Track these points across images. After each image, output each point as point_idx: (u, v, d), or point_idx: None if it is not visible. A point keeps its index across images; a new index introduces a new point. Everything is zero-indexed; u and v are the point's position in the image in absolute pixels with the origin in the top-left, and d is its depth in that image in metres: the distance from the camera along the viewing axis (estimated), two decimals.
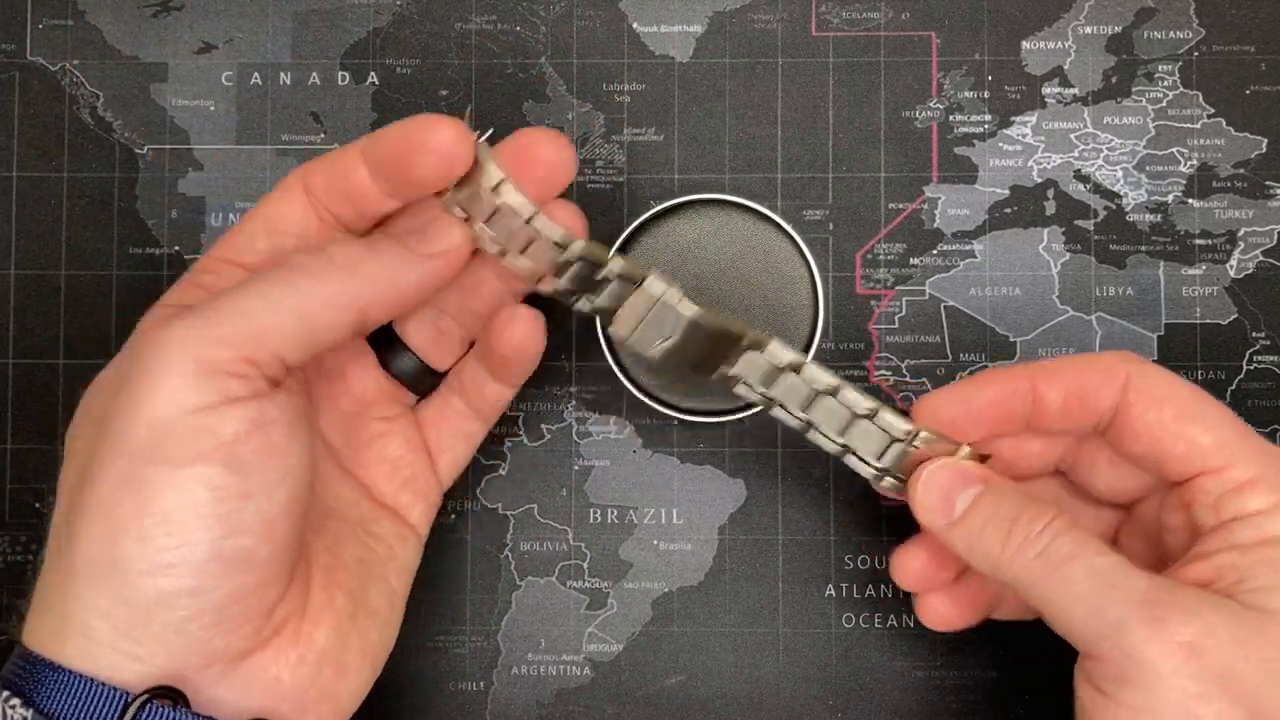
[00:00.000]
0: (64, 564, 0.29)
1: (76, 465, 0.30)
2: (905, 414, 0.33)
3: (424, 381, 0.37)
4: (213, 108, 0.40)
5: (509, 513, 0.39)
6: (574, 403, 0.40)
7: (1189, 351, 0.39)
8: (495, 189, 0.31)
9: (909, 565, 0.35)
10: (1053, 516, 0.31)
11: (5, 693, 0.28)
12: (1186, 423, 0.32)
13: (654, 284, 0.32)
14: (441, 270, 0.32)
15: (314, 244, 0.33)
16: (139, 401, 0.28)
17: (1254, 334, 0.39)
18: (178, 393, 0.28)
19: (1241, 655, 0.29)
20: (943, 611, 0.35)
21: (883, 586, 0.39)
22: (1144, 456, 0.33)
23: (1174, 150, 0.40)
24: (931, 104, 0.40)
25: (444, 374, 0.37)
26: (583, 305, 0.33)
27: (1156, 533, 0.34)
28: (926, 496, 0.33)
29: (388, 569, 0.34)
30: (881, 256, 0.40)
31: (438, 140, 0.30)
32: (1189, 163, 0.40)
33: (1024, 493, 0.33)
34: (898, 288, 0.40)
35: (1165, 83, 0.40)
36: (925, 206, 0.40)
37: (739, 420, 0.39)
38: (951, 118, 0.40)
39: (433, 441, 0.37)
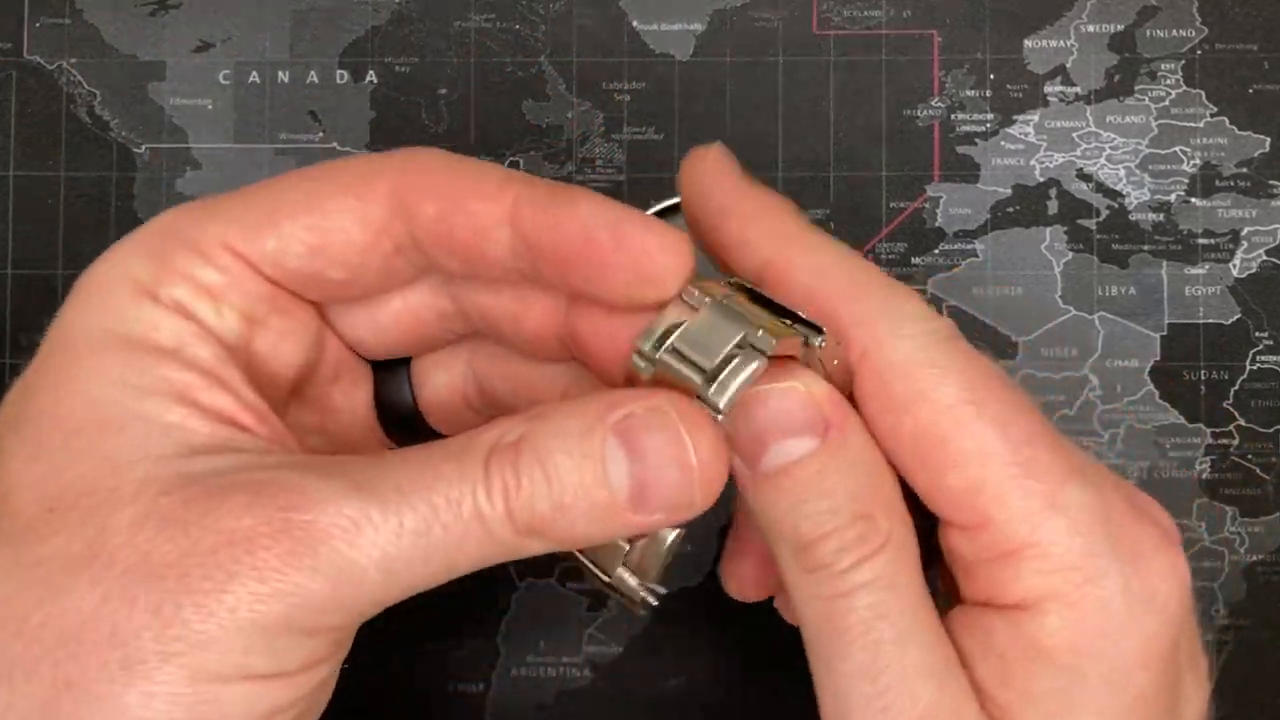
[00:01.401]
0: None
1: None
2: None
3: (406, 429, 0.29)
4: (210, 106, 0.40)
5: None
6: None
7: (1192, 351, 0.39)
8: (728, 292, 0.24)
9: (738, 571, 0.28)
10: (883, 541, 0.23)
11: None
12: (929, 447, 0.23)
13: None
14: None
15: (369, 286, 0.25)
16: None
17: (1257, 334, 0.39)
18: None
19: None
20: (747, 577, 0.28)
21: None
22: None
23: (1177, 149, 0.40)
24: (933, 102, 0.40)
25: (427, 435, 0.30)
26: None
27: None
28: (742, 426, 0.24)
29: None
30: (883, 256, 0.39)
31: (650, 260, 0.23)
32: (1192, 162, 0.40)
33: (874, 472, 0.24)
34: None
35: (1168, 81, 0.40)
36: (927, 205, 0.39)
37: None
38: (953, 116, 0.40)
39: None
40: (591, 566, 0.25)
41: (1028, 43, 0.40)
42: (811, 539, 0.23)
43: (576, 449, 0.22)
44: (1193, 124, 0.40)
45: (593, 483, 0.22)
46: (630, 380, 0.24)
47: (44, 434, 0.23)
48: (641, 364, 0.24)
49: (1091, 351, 0.39)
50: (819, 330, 0.23)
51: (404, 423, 0.29)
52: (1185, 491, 0.39)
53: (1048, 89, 0.40)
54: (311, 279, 0.25)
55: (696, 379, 0.23)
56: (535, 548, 0.23)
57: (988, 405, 0.23)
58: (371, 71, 0.40)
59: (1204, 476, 0.39)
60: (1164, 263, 0.39)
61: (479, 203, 0.24)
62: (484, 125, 0.40)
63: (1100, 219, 0.39)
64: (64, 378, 0.24)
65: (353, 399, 0.29)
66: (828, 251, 0.25)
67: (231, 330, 0.25)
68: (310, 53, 0.40)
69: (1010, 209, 0.40)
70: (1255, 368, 0.39)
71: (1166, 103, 0.40)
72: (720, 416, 0.23)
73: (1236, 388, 0.39)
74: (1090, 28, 0.40)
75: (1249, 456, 0.39)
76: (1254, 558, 0.39)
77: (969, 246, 0.39)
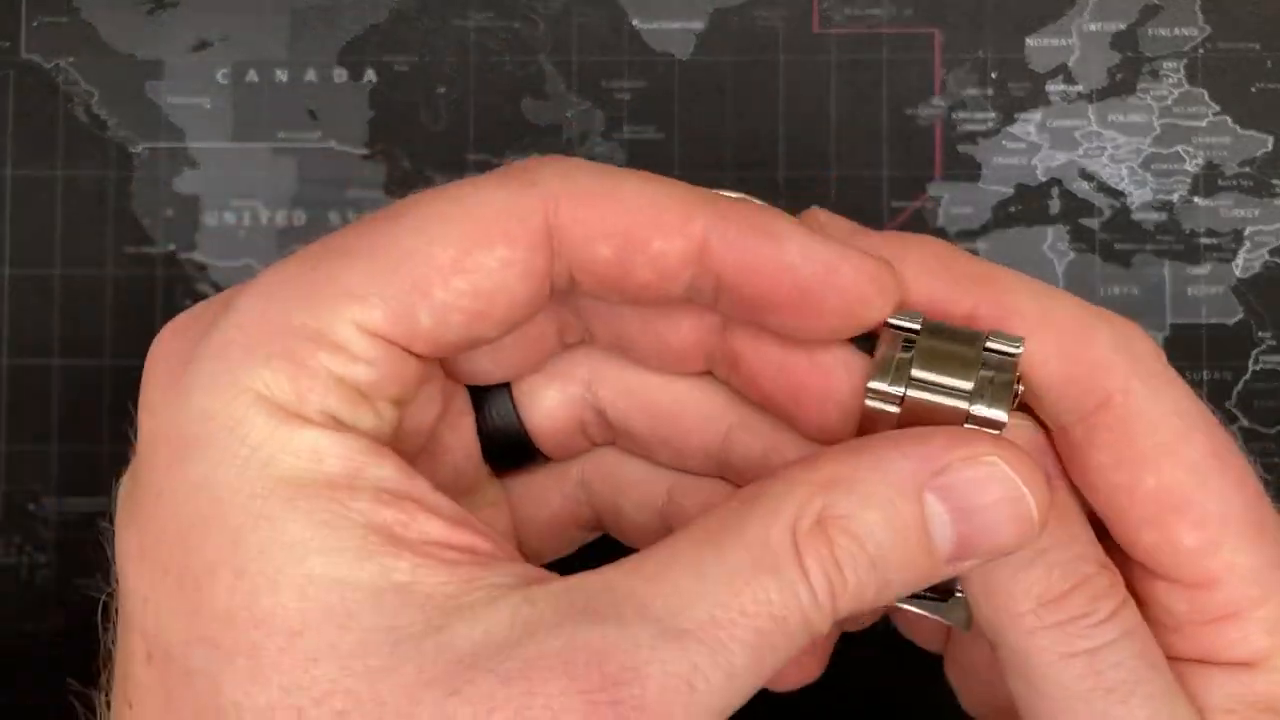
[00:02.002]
0: None
1: None
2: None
3: (511, 447, 0.26)
4: (208, 105, 0.40)
5: None
6: None
7: (1194, 352, 0.39)
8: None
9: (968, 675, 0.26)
10: (1122, 601, 0.22)
11: None
12: (1169, 507, 0.22)
13: None
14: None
15: (513, 329, 0.21)
16: None
17: (1260, 334, 0.39)
18: None
19: None
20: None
21: None
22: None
23: (1179, 149, 0.39)
24: (934, 101, 0.40)
25: (534, 455, 0.26)
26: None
27: None
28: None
29: None
30: None
31: (866, 305, 0.21)
32: (1194, 161, 0.39)
33: (1087, 523, 0.23)
34: None
35: (1171, 80, 0.40)
36: (928, 205, 0.39)
37: None
38: (955, 115, 0.40)
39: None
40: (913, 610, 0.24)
41: (1030, 41, 0.40)
42: (1064, 589, 0.21)
43: (899, 521, 0.20)
44: (1195, 123, 0.39)
45: (918, 552, 0.20)
46: (869, 421, 0.22)
47: (258, 649, 0.18)
48: (884, 405, 0.22)
49: None
50: (1018, 340, 0.22)
51: (508, 450, 0.26)
52: None
53: (1050, 88, 0.40)
54: (467, 345, 0.22)
55: (963, 403, 0.21)
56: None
57: (1229, 463, 0.22)
58: (370, 70, 0.40)
59: None
60: (1166, 262, 0.39)
61: (663, 239, 0.21)
62: (483, 124, 0.39)
63: (1102, 218, 0.39)
64: (243, 572, 0.19)
65: (462, 434, 0.25)
66: (1034, 283, 0.23)
67: (390, 429, 0.21)
68: (309, 51, 0.40)
69: (1012, 208, 0.39)
70: (1258, 368, 0.39)
71: (1169, 102, 0.39)
72: (1000, 431, 0.21)
73: (1239, 388, 0.39)
74: (1092, 26, 0.40)
75: (1252, 457, 0.39)
76: None
77: (970, 246, 0.39)
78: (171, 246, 0.39)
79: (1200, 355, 0.39)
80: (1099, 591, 0.21)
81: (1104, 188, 0.39)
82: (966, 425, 0.21)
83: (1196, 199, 0.39)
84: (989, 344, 0.22)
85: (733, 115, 0.40)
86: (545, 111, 0.40)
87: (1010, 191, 0.39)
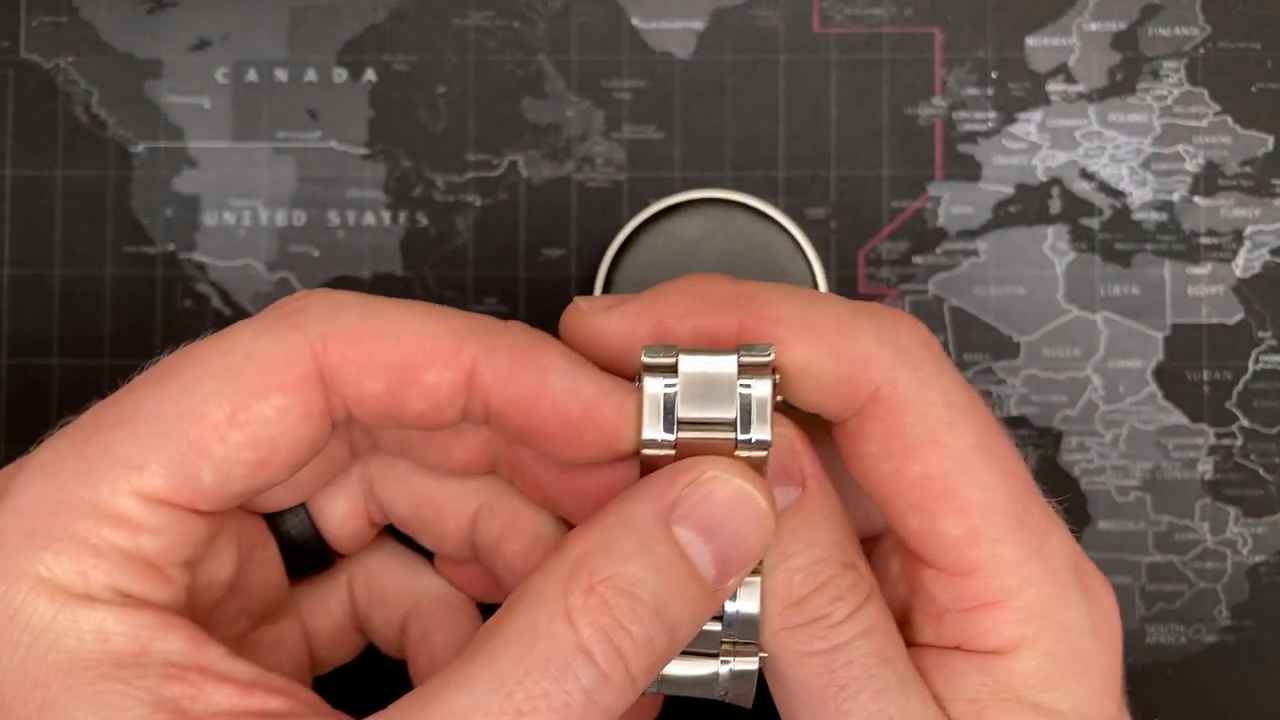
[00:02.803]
0: None
1: None
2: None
3: (310, 557, 0.27)
4: (208, 105, 0.40)
5: None
6: None
7: (1195, 351, 0.39)
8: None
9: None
10: (864, 599, 0.22)
11: None
12: (933, 495, 0.22)
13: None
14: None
15: (303, 464, 0.22)
16: None
17: (1260, 334, 0.39)
18: None
19: None
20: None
21: None
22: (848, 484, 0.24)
23: (1180, 148, 0.39)
24: (935, 101, 0.39)
25: (332, 560, 0.27)
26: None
27: None
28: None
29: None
30: (884, 255, 0.39)
31: (620, 436, 0.22)
32: (1195, 161, 0.39)
33: (845, 519, 0.23)
34: (900, 287, 0.39)
35: (1171, 80, 0.39)
36: (928, 205, 0.39)
37: None
38: (955, 115, 0.39)
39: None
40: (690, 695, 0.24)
41: (1030, 41, 0.40)
42: (805, 593, 0.22)
43: (660, 561, 0.20)
44: (1196, 123, 0.39)
45: (689, 583, 0.20)
46: (649, 464, 0.23)
47: None
48: (659, 452, 0.22)
49: (1094, 351, 0.39)
50: (767, 347, 0.22)
51: (307, 559, 0.27)
52: (1188, 492, 0.39)
53: (1050, 87, 0.40)
54: (254, 492, 0.22)
55: (728, 434, 0.22)
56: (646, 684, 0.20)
57: (996, 452, 0.22)
58: (370, 69, 0.40)
59: (1207, 477, 0.39)
60: (1167, 262, 0.39)
61: (435, 372, 0.21)
62: (483, 123, 0.39)
63: (1103, 218, 0.39)
64: None
65: (267, 565, 0.26)
66: (794, 292, 0.24)
67: (182, 592, 0.21)
68: (308, 50, 0.40)
69: (1012, 208, 0.39)
70: (1259, 368, 0.39)
71: (1169, 101, 0.39)
72: (766, 453, 0.22)
73: (1240, 388, 0.39)
74: (1093, 26, 0.40)
75: (1252, 457, 0.39)
76: (1257, 559, 0.39)
77: (971, 246, 0.39)
78: (171, 246, 0.39)
79: (1200, 355, 0.39)
80: (839, 593, 0.22)
81: (1104, 187, 0.39)
82: (738, 451, 0.22)
83: (1197, 199, 0.39)
84: (742, 358, 0.22)
85: (733, 115, 0.40)
86: (545, 111, 0.40)
87: (1010, 191, 0.39)
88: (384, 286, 0.39)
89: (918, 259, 0.39)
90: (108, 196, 0.40)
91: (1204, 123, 0.39)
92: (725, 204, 0.37)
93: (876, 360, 0.22)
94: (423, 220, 0.39)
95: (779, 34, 0.40)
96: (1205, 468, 0.39)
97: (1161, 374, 0.39)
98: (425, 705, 0.19)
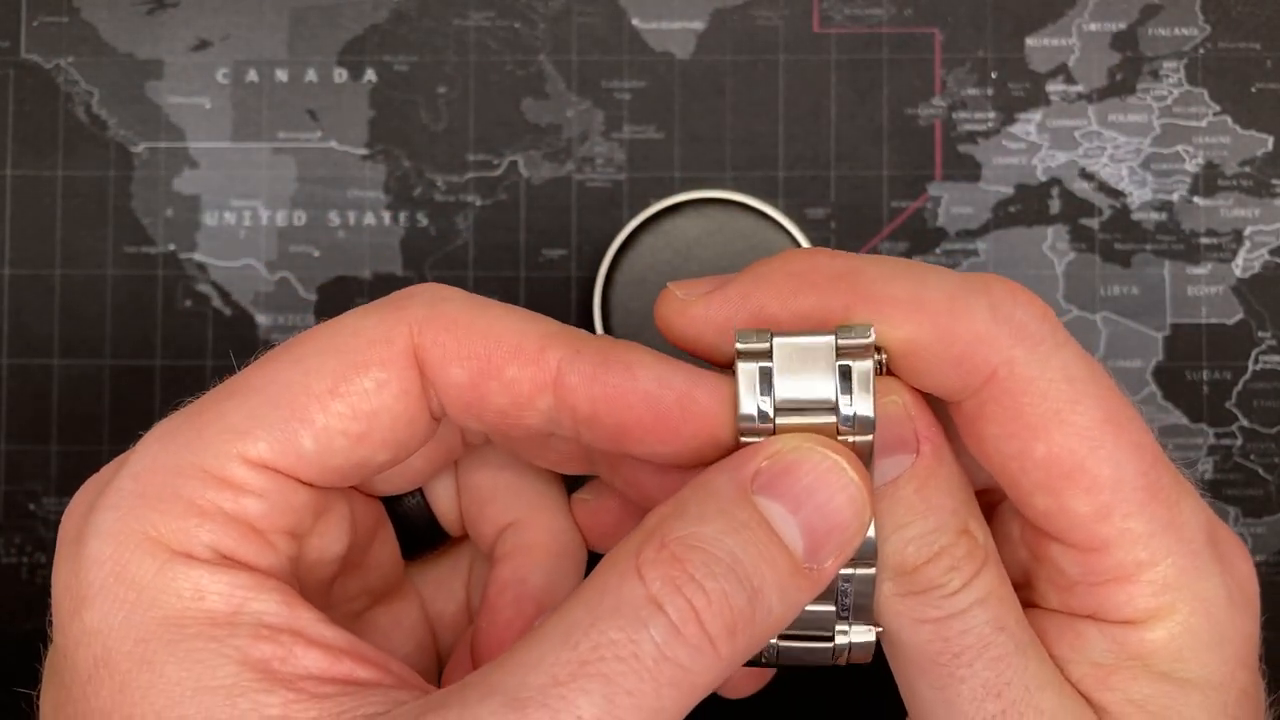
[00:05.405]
0: None
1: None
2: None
3: (424, 537, 0.27)
4: (208, 105, 0.40)
5: None
6: None
7: (1194, 351, 0.39)
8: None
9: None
10: (985, 555, 0.22)
11: None
12: (1060, 474, 0.21)
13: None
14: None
15: (411, 450, 0.23)
16: None
17: (1260, 333, 0.39)
18: None
19: None
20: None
21: None
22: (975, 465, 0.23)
23: (1179, 148, 0.39)
24: (935, 101, 0.40)
25: (444, 539, 0.28)
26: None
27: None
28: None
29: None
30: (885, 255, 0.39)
31: (720, 425, 0.21)
32: (1194, 161, 0.39)
33: (965, 483, 0.23)
34: None
35: (1170, 80, 0.39)
36: (928, 205, 0.39)
37: None
38: (955, 115, 0.39)
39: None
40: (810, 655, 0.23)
41: (1030, 41, 0.40)
42: (919, 562, 0.21)
43: (739, 523, 0.20)
44: (1195, 123, 0.39)
45: (774, 549, 0.20)
46: None
47: None
48: (758, 437, 0.21)
49: (1094, 351, 0.39)
50: (866, 328, 0.22)
51: (421, 538, 0.27)
52: None
53: (1050, 88, 0.40)
54: (357, 469, 0.22)
55: (829, 418, 0.21)
56: (740, 655, 0.19)
57: (1124, 425, 0.22)
58: (370, 70, 0.40)
59: (1207, 477, 0.39)
60: (1166, 262, 0.39)
61: (517, 367, 0.21)
62: (483, 124, 0.39)
63: (1102, 218, 0.39)
64: (130, 719, 0.19)
65: (386, 544, 0.26)
66: (901, 266, 0.23)
67: (285, 560, 0.22)
68: (309, 51, 0.40)
69: (1012, 208, 0.39)
70: (1258, 368, 0.39)
71: (1169, 101, 0.39)
72: (871, 437, 0.21)
73: (1239, 388, 0.39)
74: (1092, 26, 0.40)
75: (1252, 457, 0.39)
76: (1257, 558, 0.39)
77: (971, 246, 0.39)
78: (171, 246, 0.39)
79: (1200, 355, 0.39)
80: (954, 562, 0.21)
81: (1104, 187, 0.39)
82: (840, 436, 0.21)
83: (1196, 199, 0.39)
84: (840, 340, 0.21)
85: (732, 115, 0.40)
86: (545, 111, 0.40)
87: (1010, 191, 0.39)
88: (384, 286, 0.39)
89: (918, 259, 0.39)
90: (108, 196, 0.40)
91: (1203, 123, 0.39)
92: (725, 204, 0.37)
93: (992, 340, 0.21)
94: (423, 220, 0.39)
95: (779, 34, 0.40)
96: (1205, 468, 0.39)
97: (1161, 374, 0.39)
98: (502, 661, 0.19)
